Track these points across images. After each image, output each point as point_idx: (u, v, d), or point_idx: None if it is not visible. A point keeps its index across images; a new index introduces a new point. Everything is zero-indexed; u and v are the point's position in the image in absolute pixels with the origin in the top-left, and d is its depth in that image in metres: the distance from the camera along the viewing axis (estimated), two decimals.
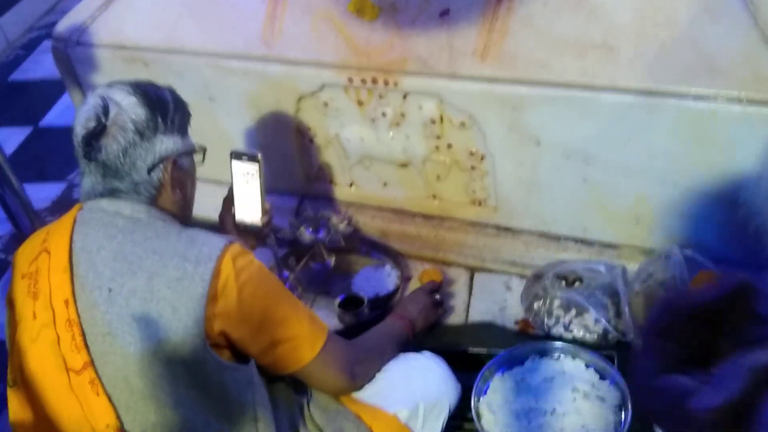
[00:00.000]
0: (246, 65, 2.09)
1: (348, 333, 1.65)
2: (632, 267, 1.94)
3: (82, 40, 2.26)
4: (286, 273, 2.04)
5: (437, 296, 1.88)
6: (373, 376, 1.53)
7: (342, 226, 2.11)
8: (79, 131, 1.32)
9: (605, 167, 1.83)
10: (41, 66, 3.91)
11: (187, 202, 1.47)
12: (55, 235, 1.33)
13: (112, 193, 1.34)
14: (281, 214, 2.32)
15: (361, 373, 1.50)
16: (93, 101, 1.33)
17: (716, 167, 1.72)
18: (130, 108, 1.32)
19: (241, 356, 1.35)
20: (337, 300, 1.98)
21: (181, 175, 1.42)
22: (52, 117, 3.48)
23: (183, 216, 1.44)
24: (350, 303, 1.97)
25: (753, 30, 1.61)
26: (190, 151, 1.45)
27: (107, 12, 2.25)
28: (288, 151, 2.25)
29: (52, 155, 3.13)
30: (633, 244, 1.97)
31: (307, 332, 1.37)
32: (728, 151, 1.68)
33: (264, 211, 1.65)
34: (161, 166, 1.36)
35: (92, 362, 1.24)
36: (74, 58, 2.30)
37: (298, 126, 2.17)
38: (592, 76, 1.73)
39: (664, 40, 1.69)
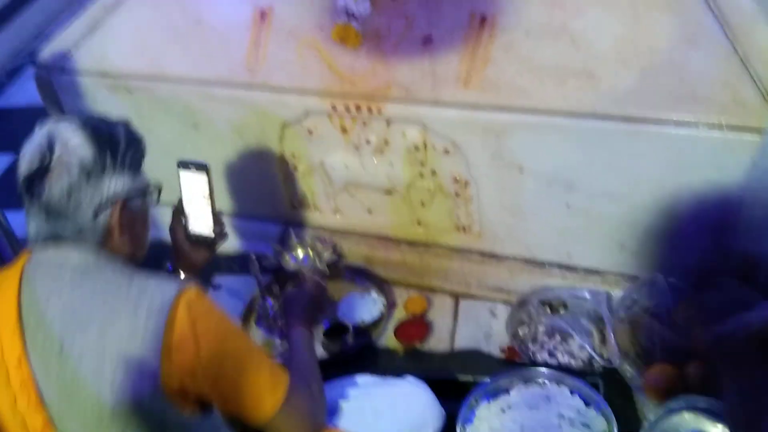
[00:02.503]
0: (230, 92, 2.09)
1: (333, 361, 1.64)
2: (617, 293, 1.94)
3: (66, 68, 2.26)
4: (270, 301, 2.03)
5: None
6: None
7: (326, 254, 2.10)
8: (23, 169, 1.26)
9: (588, 193, 1.84)
10: (25, 93, 3.91)
11: (139, 243, 1.39)
12: (2, 289, 1.26)
13: (57, 237, 1.26)
14: (265, 241, 2.31)
15: (322, 412, 1.45)
16: (38, 138, 1.26)
17: (699, 193, 1.73)
18: (76, 146, 1.25)
19: (206, 406, 1.29)
20: (322, 328, 1.96)
21: (130, 217, 1.34)
22: None
23: (135, 257, 1.37)
24: (335, 331, 1.96)
25: (733, 56, 1.63)
26: (142, 191, 1.37)
27: (91, 39, 2.25)
28: (272, 178, 2.24)
29: None
30: (617, 270, 1.97)
31: (266, 382, 1.31)
32: (710, 177, 1.69)
33: (216, 222, 1.62)
34: (109, 208, 1.29)
35: (51, 421, 1.19)
36: (58, 86, 2.30)
37: (282, 153, 2.16)
38: (573, 102, 1.74)
39: (645, 67, 1.70)
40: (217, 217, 1.62)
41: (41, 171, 1.23)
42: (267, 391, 1.30)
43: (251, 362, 1.29)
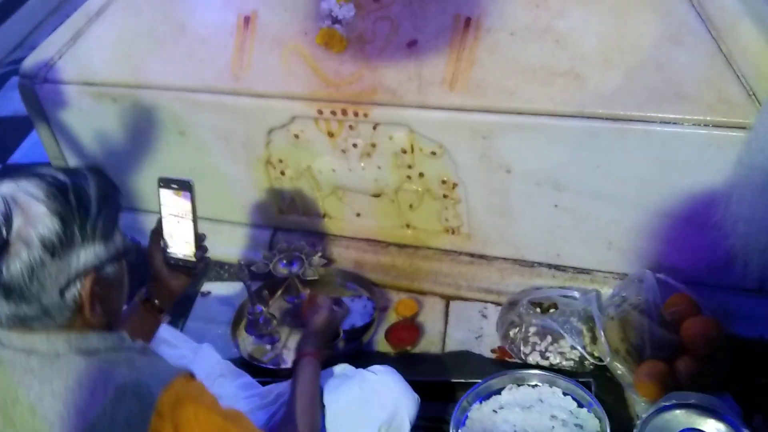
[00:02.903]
0: (215, 99, 2.08)
1: (323, 366, 1.63)
2: (606, 291, 1.94)
3: (50, 77, 2.24)
4: (260, 307, 2.02)
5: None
6: None
7: (316, 258, 2.09)
8: None
9: (576, 193, 1.84)
10: (9, 103, 3.87)
11: (114, 311, 1.21)
12: None
13: (21, 321, 1.08)
14: (254, 247, 2.31)
15: None
16: None
17: (685, 190, 1.74)
18: (38, 219, 1.05)
19: None
20: None
21: (104, 287, 1.14)
22: (20, 154, 3.44)
23: (109, 325, 1.18)
24: None
25: (717, 55, 1.64)
26: (117, 256, 1.16)
27: (75, 47, 2.24)
28: (260, 184, 2.24)
29: None
30: (606, 269, 1.98)
31: None
32: (696, 175, 1.70)
33: (198, 245, 1.46)
34: (77, 283, 1.09)
35: None
36: (42, 95, 2.28)
37: (269, 158, 2.16)
38: (559, 103, 1.74)
39: (630, 66, 1.71)
40: (199, 240, 1.46)
41: None
42: None
43: None
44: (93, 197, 1.12)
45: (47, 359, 1.07)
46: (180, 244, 1.46)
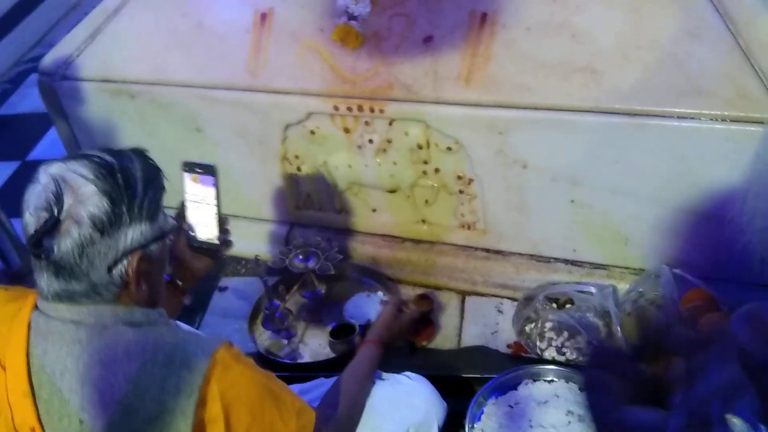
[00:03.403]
0: (232, 95, 2.09)
1: (340, 361, 1.64)
2: (622, 287, 1.94)
3: (68, 74, 2.26)
4: (276, 302, 2.03)
5: (408, 309, 1.85)
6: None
7: (332, 254, 2.10)
8: (29, 222, 1.11)
9: (593, 189, 1.84)
10: (28, 100, 3.92)
11: (158, 289, 1.25)
12: (9, 346, 1.14)
13: (69, 296, 1.13)
14: (271, 243, 2.32)
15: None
16: (45, 182, 1.10)
17: (702, 186, 1.73)
18: (88, 198, 1.09)
19: None
20: (329, 328, 1.97)
21: (149, 266, 1.19)
22: (40, 151, 3.48)
23: (152, 303, 1.23)
24: (342, 331, 1.96)
25: (735, 50, 1.63)
26: (163, 235, 1.21)
27: (93, 45, 2.25)
28: (276, 180, 2.25)
29: None
30: (623, 264, 1.98)
31: (294, 427, 1.21)
32: (714, 170, 1.69)
33: (221, 229, 1.49)
34: (124, 260, 1.14)
35: None
36: (60, 92, 2.30)
37: (285, 154, 2.17)
38: (576, 98, 1.74)
39: (648, 62, 1.70)
40: (222, 223, 1.49)
41: (49, 227, 1.08)
42: None
43: (278, 416, 1.20)
44: (139, 178, 1.16)
45: (95, 331, 1.11)
46: (203, 227, 1.49)
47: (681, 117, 1.65)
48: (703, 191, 1.74)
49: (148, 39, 2.20)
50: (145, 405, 1.08)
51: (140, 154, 1.21)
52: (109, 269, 1.13)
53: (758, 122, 1.59)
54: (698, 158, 1.69)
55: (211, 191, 1.47)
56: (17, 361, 1.11)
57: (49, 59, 2.30)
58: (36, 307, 1.16)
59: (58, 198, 1.08)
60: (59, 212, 1.08)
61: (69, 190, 1.09)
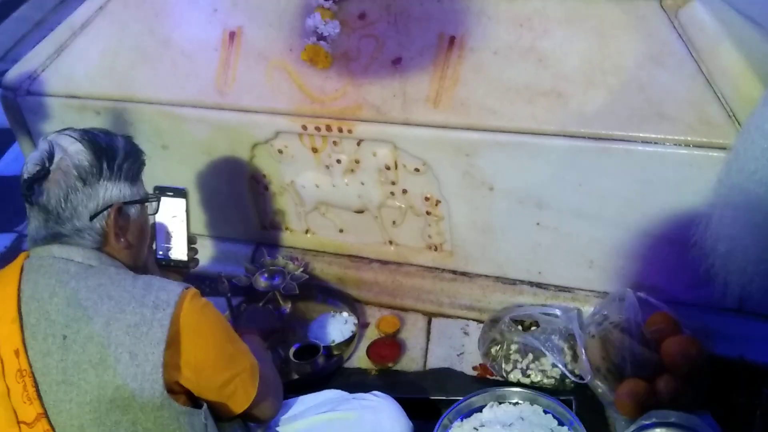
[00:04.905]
0: (199, 113, 2.08)
1: (304, 382, 1.63)
2: (587, 310, 1.95)
3: (33, 89, 2.23)
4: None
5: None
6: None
7: (298, 273, 2.09)
8: (24, 174, 1.32)
9: (558, 211, 1.85)
10: None
11: (137, 250, 1.43)
12: (2, 284, 1.30)
13: (56, 237, 1.31)
14: (236, 262, 2.30)
15: (281, 391, 1.54)
16: (41, 146, 1.32)
17: (666, 210, 1.75)
18: (75, 153, 1.31)
19: (195, 400, 1.33)
20: (292, 349, 1.95)
21: (126, 223, 1.38)
22: (2, 166, 3.41)
23: (134, 266, 1.42)
24: (306, 351, 1.94)
25: (698, 76, 1.66)
26: (139, 200, 1.41)
27: (58, 60, 2.23)
28: (243, 199, 2.23)
29: (1, 205, 3.06)
30: (587, 287, 1.99)
31: (249, 365, 1.38)
32: (677, 194, 1.71)
33: (190, 247, 1.63)
34: (104, 213, 1.33)
35: (45, 413, 1.21)
36: (24, 108, 2.27)
37: (252, 173, 2.16)
38: (542, 121, 1.76)
39: (612, 86, 1.72)
40: (191, 242, 1.63)
41: (40, 176, 1.29)
42: (249, 374, 1.38)
43: (236, 350, 1.38)
44: (121, 147, 1.38)
45: (82, 267, 1.29)
46: (173, 246, 1.61)
47: (645, 141, 1.67)
48: (667, 215, 1.76)
49: (115, 55, 2.18)
50: (125, 316, 1.23)
51: (126, 136, 1.43)
52: (91, 218, 1.31)
53: (720, 148, 1.62)
54: (662, 182, 1.71)
55: (182, 213, 1.59)
56: (7, 294, 1.27)
57: (13, 74, 2.27)
58: (28, 257, 1.33)
59: (50, 154, 1.30)
60: (50, 165, 1.29)
61: (59, 148, 1.31)
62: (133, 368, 1.21)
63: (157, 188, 1.57)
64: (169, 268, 1.62)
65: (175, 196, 1.58)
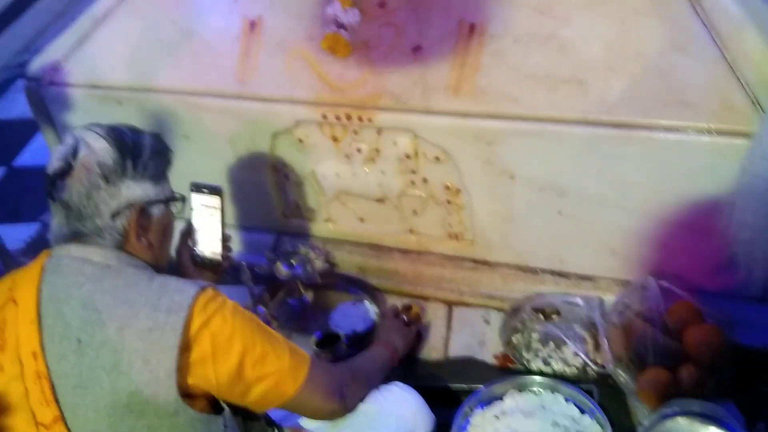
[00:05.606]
0: (220, 103, 2.09)
1: None
2: (609, 298, 1.94)
3: (56, 80, 2.25)
4: (261, 309, 2.02)
5: (407, 320, 1.90)
6: (362, 399, 1.50)
7: (319, 262, 2.10)
8: (48, 170, 1.31)
9: (580, 200, 1.84)
10: (15, 106, 3.89)
11: (159, 251, 1.42)
12: (22, 284, 1.30)
13: (77, 236, 1.30)
14: (258, 251, 2.31)
15: (350, 394, 1.46)
16: (67, 141, 1.32)
17: (689, 198, 1.73)
18: (99, 150, 1.30)
19: (216, 403, 1.32)
20: (314, 337, 1.96)
21: (148, 222, 1.37)
22: (27, 157, 3.46)
23: (156, 265, 1.39)
24: (327, 340, 1.95)
25: (720, 62, 1.64)
26: (164, 200, 1.40)
27: (81, 51, 2.24)
28: (264, 188, 2.24)
29: (26, 195, 3.10)
30: (609, 275, 1.98)
31: (287, 366, 1.32)
32: (700, 182, 1.70)
33: (225, 245, 1.62)
34: (126, 212, 1.32)
35: (62, 416, 1.21)
36: (47, 98, 2.29)
37: (273, 162, 2.16)
38: (563, 109, 1.74)
39: (634, 73, 1.71)
40: (226, 240, 1.63)
41: (63, 172, 1.29)
42: (287, 374, 1.32)
43: (271, 349, 1.31)
44: (147, 145, 1.37)
45: (99, 267, 1.28)
46: (207, 244, 1.62)
47: (667, 129, 1.66)
48: (690, 203, 1.74)
49: (137, 46, 2.19)
50: (139, 321, 1.21)
51: (155, 134, 1.42)
52: (113, 216, 1.31)
53: (743, 135, 1.60)
54: (684, 170, 1.69)
55: (217, 210, 1.59)
56: (28, 294, 1.27)
57: (37, 65, 2.29)
58: (50, 256, 1.32)
59: (75, 150, 1.29)
60: (74, 161, 1.29)
61: (84, 144, 1.30)
62: (147, 374, 1.20)
63: (193, 184, 1.57)
64: (204, 265, 1.63)
65: (210, 193, 1.57)
